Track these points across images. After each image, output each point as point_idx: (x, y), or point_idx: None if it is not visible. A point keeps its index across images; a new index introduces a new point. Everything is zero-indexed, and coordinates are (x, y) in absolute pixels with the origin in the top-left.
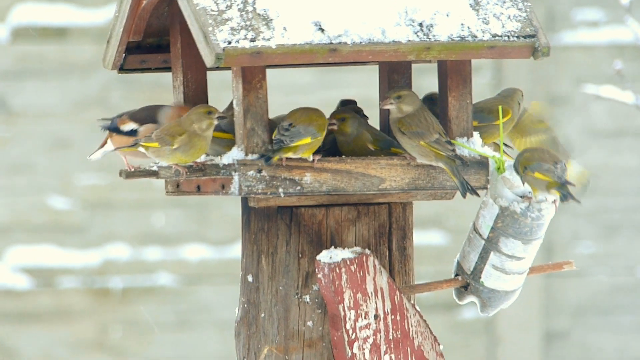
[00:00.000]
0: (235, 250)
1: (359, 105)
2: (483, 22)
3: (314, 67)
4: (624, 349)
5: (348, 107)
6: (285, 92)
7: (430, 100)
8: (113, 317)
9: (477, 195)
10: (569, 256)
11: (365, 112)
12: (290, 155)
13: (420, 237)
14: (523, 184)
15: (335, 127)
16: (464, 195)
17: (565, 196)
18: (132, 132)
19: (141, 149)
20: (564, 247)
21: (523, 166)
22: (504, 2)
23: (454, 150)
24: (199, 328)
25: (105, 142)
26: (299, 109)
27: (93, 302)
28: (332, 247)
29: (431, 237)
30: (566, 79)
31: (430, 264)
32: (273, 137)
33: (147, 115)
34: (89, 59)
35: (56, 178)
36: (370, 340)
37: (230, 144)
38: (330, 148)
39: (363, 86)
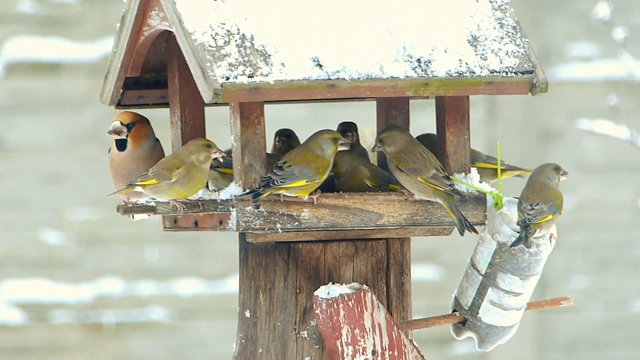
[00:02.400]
0: (228, 285)
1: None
2: (481, 57)
3: (309, 103)
4: None
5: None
6: (281, 127)
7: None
8: (106, 352)
9: (475, 232)
10: (563, 291)
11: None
12: (283, 192)
13: (414, 272)
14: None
15: (350, 141)
16: (461, 233)
17: (519, 239)
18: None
19: (139, 189)
20: (558, 282)
21: (517, 205)
22: (502, 38)
23: (451, 186)
24: None
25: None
26: (299, 146)
27: (86, 336)
28: (330, 282)
29: (425, 272)
30: (560, 113)
31: (423, 299)
32: (264, 175)
33: None
34: (82, 94)
35: (50, 213)
36: None
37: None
38: (328, 183)
39: (358, 121)
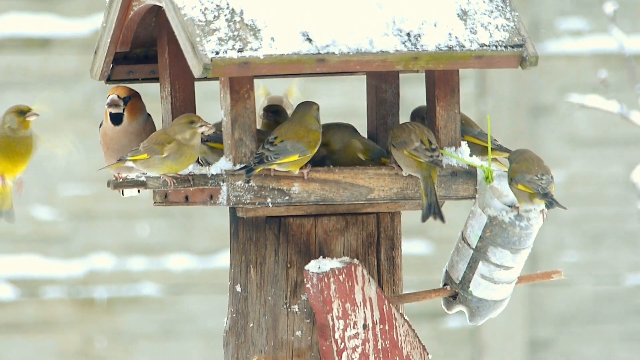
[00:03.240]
0: (219, 260)
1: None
2: (471, 31)
3: (301, 77)
4: (609, 358)
5: (333, 124)
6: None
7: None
8: (98, 327)
9: (442, 220)
10: (554, 265)
11: (353, 122)
12: (275, 167)
13: (405, 247)
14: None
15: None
16: (423, 219)
17: (551, 203)
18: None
19: (129, 164)
20: (549, 256)
21: (510, 177)
22: (492, 11)
23: (432, 157)
24: (183, 338)
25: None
26: (289, 120)
27: (78, 312)
28: (321, 257)
29: (415, 247)
30: (550, 88)
31: (414, 274)
32: (256, 151)
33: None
34: (72, 70)
35: (40, 188)
36: (359, 350)
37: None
38: (320, 158)
39: (348, 96)
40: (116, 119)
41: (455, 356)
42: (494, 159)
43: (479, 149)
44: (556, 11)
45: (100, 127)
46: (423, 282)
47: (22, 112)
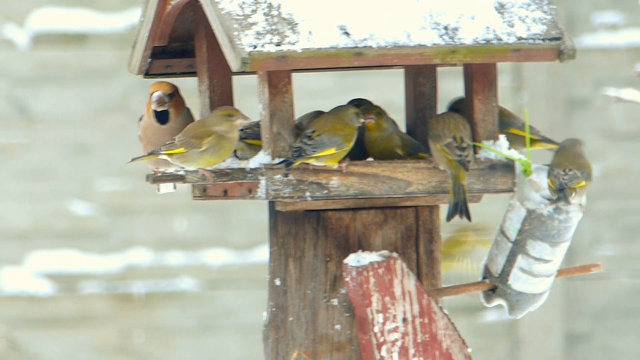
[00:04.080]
0: (257, 255)
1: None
2: (508, 25)
3: (336, 71)
4: None
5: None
6: (307, 97)
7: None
8: (135, 322)
9: (469, 219)
10: (591, 259)
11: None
12: (313, 162)
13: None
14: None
15: (372, 121)
16: (448, 218)
17: (559, 199)
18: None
19: (163, 157)
20: (586, 250)
21: (547, 172)
22: (529, 5)
23: (460, 155)
24: (221, 332)
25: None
26: (325, 115)
27: (115, 307)
28: (360, 250)
29: None
30: (585, 82)
31: None
32: (294, 145)
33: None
34: (109, 65)
35: (77, 183)
36: (399, 344)
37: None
38: (355, 149)
39: (385, 90)
40: (162, 117)
41: (493, 350)
42: (550, 148)
43: (523, 141)
44: (592, 5)
45: (140, 120)
46: (461, 276)
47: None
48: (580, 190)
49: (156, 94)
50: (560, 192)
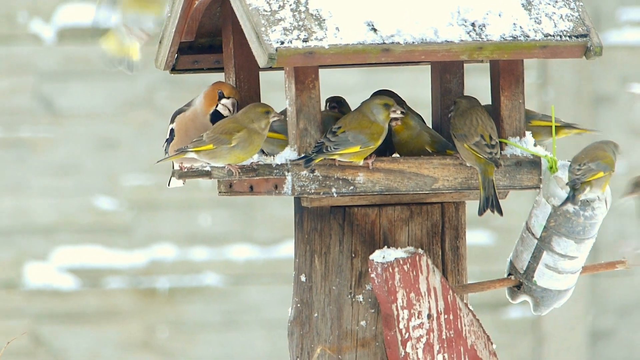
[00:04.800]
0: (281, 250)
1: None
2: (535, 21)
3: (362, 67)
4: None
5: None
6: (333, 92)
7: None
8: (160, 317)
9: (500, 213)
10: (616, 255)
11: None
12: (337, 157)
13: (467, 237)
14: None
15: (399, 123)
16: (480, 213)
17: (568, 198)
18: (172, 132)
19: (191, 154)
20: (610, 246)
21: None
22: (556, 1)
23: (491, 153)
24: (245, 328)
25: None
26: (355, 111)
27: (139, 302)
28: (385, 246)
29: (478, 237)
30: (611, 78)
31: (476, 264)
32: (318, 140)
33: (178, 110)
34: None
35: (102, 179)
36: (424, 340)
37: (282, 144)
38: (384, 144)
39: (411, 86)
40: (217, 117)
41: (517, 346)
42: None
43: (546, 131)
44: (617, 1)
45: (179, 113)
46: (485, 273)
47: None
48: (597, 182)
49: (232, 101)
50: (571, 189)
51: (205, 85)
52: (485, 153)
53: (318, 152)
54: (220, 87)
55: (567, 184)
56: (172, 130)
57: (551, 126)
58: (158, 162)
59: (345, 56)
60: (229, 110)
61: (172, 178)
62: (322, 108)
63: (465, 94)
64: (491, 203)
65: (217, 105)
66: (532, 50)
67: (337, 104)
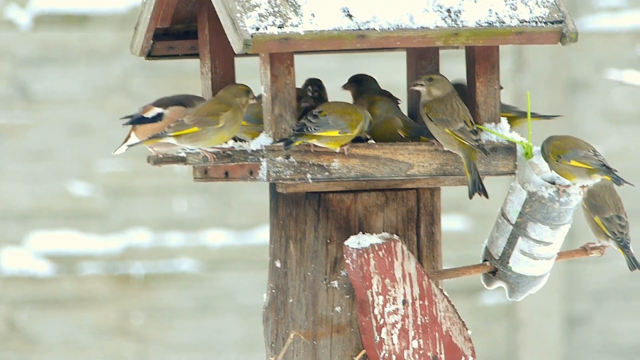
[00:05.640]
0: (256, 236)
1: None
2: (511, 7)
3: (338, 54)
4: None
5: (380, 91)
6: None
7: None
8: (135, 303)
9: (486, 196)
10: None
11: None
12: (314, 142)
13: (443, 223)
14: (551, 170)
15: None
16: (470, 196)
17: (618, 180)
18: (158, 117)
19: (170, 140)
20: (586, 232)
21: (556, 155)
22: None
23: (477, 141)
24: (220, 314)
25: (128, 136)
26: (337, 101)
27: (115, 288)
28: (360, 232)
29: (453, 223)
30: (587, 64)
31: (451, 250)
32: (294, 125)
33: (173, 99)
34: (110, 46)
35: (77, 164)
36: (399, 326)
37: (252, 131)
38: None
39: (388, 72)
40: None
41: (492, 332)
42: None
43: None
44: None
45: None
46: (461, 258)
47: (248, 92)
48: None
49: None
50: (611, 173)
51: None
52: (472, 140)
53: (299, 131)
54: (248, 88)
55: (600, 170)
56: (159, 115)
57: (508, 116)
58: (130, 146)
59: (320, 42)
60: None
61: (123, 146)
62: (303, 90)
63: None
64: (477, 186)
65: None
66: (507, 37)
67: (319, 88)
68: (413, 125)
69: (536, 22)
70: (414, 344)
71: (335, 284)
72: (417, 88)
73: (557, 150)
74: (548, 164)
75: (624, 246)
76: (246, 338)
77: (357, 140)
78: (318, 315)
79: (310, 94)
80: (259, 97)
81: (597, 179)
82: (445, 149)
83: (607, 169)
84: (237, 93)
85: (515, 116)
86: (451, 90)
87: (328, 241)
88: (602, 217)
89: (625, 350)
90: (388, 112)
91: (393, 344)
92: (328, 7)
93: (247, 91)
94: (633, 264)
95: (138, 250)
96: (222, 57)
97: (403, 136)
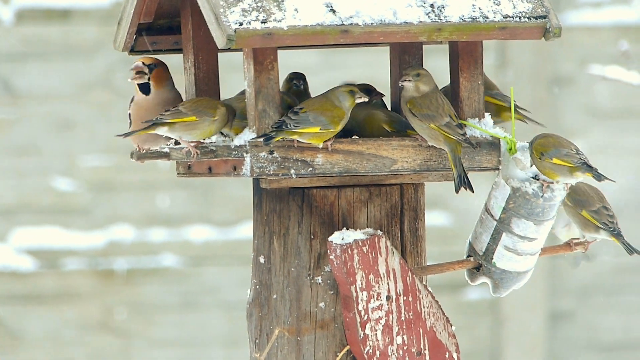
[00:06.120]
0: (239, 232)
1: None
2: (494, 3)
3: (321, 49)
4: (629, 329)
5: (360, 85)
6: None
7: None
8: (118, 299)
9: (472, 190)
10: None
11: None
12: (297, 138)
13: (426, 219)
14: (531, 166)
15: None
16: (456, 190)
17: (599, 176)
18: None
19: (162, 129)
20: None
21: (539, 152)
22: None
23: (464, 134)
24: (203, 309)
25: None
26: (319, 95)
27: (98, 283)
28: (344, 228)
29: (436, 218)
30: (570, 59)
31: (435, 245)
32: (279, 119)
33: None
34: (93, 41)
35: (61, 160)
36: (383, 322)
37: (236, 127)
38: (343, 129)
39: (370, 67)
40: (144, 88)
41: (476, 328)
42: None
43: (492, 109)
44: None
45: (131, 102)
46: (443, 254)
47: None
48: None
49: (135, 63)
50: (593, 170)
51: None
52: (459, 135)
53: (278, 130)
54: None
55: (582, 168)
56: (129, 115)
57: (499, 104)
58: (119, 135)
59: (304, 37)
60: (140, 74)
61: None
62: (285, 84)
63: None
64: (463, 180)
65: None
66: (491, 32)
67: (304, 81)
68: (398, 119)
69: (520, 17)
70: (398, 339)
71: (319, 279)
72: (405, 84)
73: (540, 148)
74: (533, 160)
75: (617, 235)
76: (229, 333)
77: (341, 135)
78: (302, 311)
79: (295, 87)
80: (242, 94)
81: (579, 177)
82: (430, 144)
83: (588, 167)
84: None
85: (507, 107)
86: (435, 85)
87: (312, 237)
88: (590, 210)
89: (608, 346)
90: (368, 109)
91: (377, 340)
92: (311, 2)
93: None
94: (630, 249)
95: (121, 246)
96: (206, 52)
97: (389, 130)
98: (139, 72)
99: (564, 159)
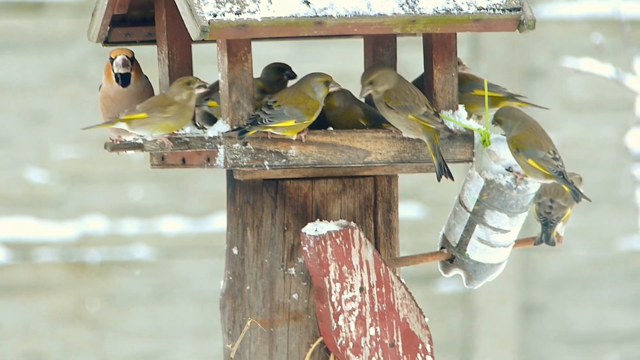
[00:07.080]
0: (213, 223)
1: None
2: None
3: (295, 40)
4: (602, 322)
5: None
6: (265, 65)
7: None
8: (90, 290)
9: (452, 179)
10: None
11: (348, 87)
12: (270, 130)
13: (399, 210)
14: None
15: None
16: (438, 179)
17: (577, 195)
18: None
19: (120, 125)
20: None
21: (515, 147)
22: None
23: (442, 123)
24: (176, 301)
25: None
26: (291, 87)
27: (70, 275)
28: (318, 219)
29: (410, 210)
30: (543, 52)
31: (408, 237)
32: (253, 113)
33: None
34: (66, 33)
35: (33, 151)
36: (356, 313)
37: None
38: (319, 121)
39: (343, 60)
40: (125, 79)
41: (447, 320)
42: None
43: (490, 100)
44: None
45: (99, 89)
46: (416, 245)
47: (189, 83)
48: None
49: (120, 57)
50: (571, 185)
51: (138, 59)
52: (437, 123)
53: (252, 125)
54: (111, 53)
55: (557, 178)
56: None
57: (495, 97)
58: (84, 129)
59: (278, 29)
60: (122, 66)
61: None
62: (275, 75)
63: (397, 69)
64: (443, 168)
65: (113, 71)
66: (465, 24)
67: (292, 72)
68: (374, 113)
69: (494, 10)
70: (371, 331)
71: (293, 271)
72: (365, 95)
73: (517, 143)
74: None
75: (562, 179)
76: (202, 325)
77: (315, 126)
78: (275, 302)
79: (287, 77)
80: (216, 84)
81: (550, 181)
82: (405, 135)
83: (563, 179)
84: (177, 91)
85: (504, 97)
86: (398, 77)
87: (285, 228)
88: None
89: (580, 338)
90: (346, 102)
91: (350, 331)
92: None
93: (189, 83)
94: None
95: (94, 237)
96: (179, 43)
97: (365, 125)
98: (125, 63)
99: (540, 163)
